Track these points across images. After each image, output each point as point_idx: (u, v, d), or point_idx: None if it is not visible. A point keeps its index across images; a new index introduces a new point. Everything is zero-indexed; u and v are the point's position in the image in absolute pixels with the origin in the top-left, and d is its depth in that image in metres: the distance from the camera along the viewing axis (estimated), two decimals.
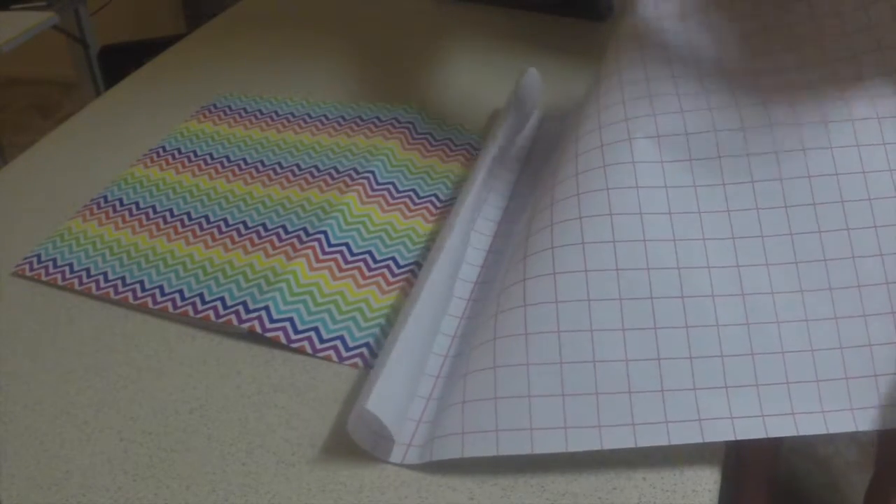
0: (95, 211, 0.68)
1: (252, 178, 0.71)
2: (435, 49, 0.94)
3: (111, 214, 0.68)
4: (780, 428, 0.44)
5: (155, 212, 0.68)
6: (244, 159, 0.74)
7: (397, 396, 0.47)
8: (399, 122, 0.77)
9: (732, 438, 0.44)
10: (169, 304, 0.58)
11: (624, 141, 0.51)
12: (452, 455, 0.45)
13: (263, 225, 0.65)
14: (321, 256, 0.60)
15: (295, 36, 0.87)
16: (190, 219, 0.66)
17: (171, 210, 0.68)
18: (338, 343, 0.54)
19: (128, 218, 0.67)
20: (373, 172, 0.69)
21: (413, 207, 0.66)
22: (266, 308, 0.55)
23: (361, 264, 0.60)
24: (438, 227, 0.63)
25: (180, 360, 0.54)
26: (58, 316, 0.58)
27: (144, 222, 0.67)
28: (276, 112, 0.81)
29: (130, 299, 0.59)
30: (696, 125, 0.50)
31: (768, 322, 0.46)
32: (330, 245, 0.61)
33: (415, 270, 0.59)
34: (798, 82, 0.52)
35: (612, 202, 0.49)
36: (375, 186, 0.68)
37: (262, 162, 0.73)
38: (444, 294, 0.54)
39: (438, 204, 0.66)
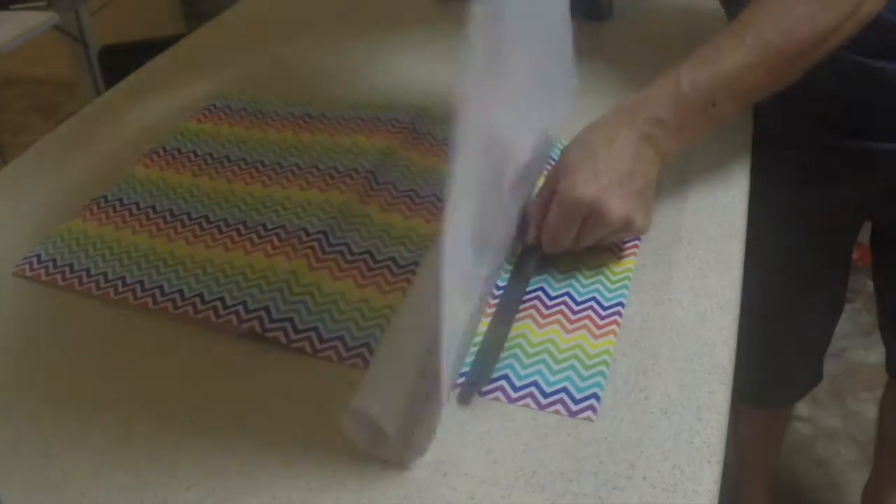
0: (95, 211, 0.68)
1: (252, 177, 0.71)
2: (435, 49, 0.94)
3: (111, 214, 0.68)
4: None
5: (155, 212, 0.68)
6: (244, 159, 0.74)
7: (393, 394, 0.47)
8: (399, 123, 0.77)
9: None
10: (169, 304, 0.58)
11: None
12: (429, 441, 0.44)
13: (263, 225, 0.65)
14: (321, 256, 0.60)
15: (295, 36, 0.87)
16: (190, 219, 0.66)
17: (171, 210, 0.68)
18: (337, 343, 0.54)
19: (128, 218, 0.67)
20: (373, 173, 0.69)
21: (413, 207, 0.66)
22: (266, 308, 0.55)
23: (361, 264, 0.60)
24: (438, 226, 0.63)
25: (180, 360, 0.54)
26: (58, 316, 0.58)
27: (144, 222, 0.67)
28: (275, 112, 0.81)
29: (130, 299, 0.59)
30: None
31: None
32: (330, 245, 0.61)
33: (414, 270, 0.59)
34: None
35: None
36: (375, 186, 0.68)
37: (262, 162, 0.73)
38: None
39: (438, 203, 0.66)
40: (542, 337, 0.54)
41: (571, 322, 0.55)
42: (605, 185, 0.55)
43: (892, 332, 1.01)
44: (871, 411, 1.50)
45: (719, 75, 0.57)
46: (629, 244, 0.62)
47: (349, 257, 0.60)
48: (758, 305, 0.70)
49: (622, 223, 0.56)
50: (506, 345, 0.54)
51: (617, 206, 0.55)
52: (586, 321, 0.55)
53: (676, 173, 0.70)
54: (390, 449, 0.46)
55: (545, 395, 0.50)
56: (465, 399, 0.50)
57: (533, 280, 0.59)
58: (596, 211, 0.55)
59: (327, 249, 0.61)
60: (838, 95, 0.76)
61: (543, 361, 0.52)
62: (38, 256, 0.63)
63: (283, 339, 0.54)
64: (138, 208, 0.68)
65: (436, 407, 0.49)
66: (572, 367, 0.52)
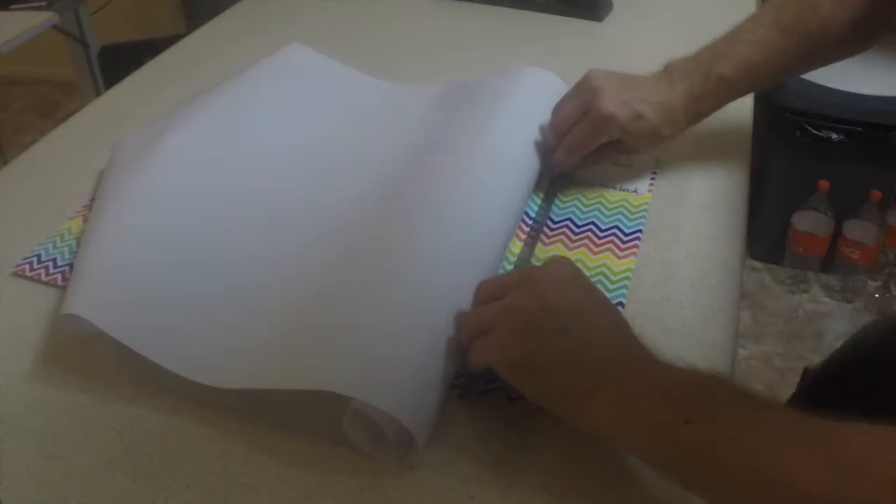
0: None
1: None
2: (435, 49, 0.94)
3: None
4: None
5: None
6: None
7: (393, 394, 0.46)
8: None
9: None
10: None
11: None
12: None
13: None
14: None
15: (294, 36, 0.87)
16: None
17: None
18: None
19: None
20: None
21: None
22: None
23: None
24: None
25: None
26: (57, 316, 0.58)
27: None
28: None
29: None
30: None
31: None
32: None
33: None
34: None
35: None
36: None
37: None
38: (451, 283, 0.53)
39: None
40: None
41: None
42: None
43: None
44: None
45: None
46: (629, 244, 0.62)
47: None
48: None
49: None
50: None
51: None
52: None
53: (677, 173, 0.70)
54: (390, 449, 0.46)
55: None
56: (466, 397, 0.50)
57: None
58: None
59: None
60: None
61: None
62: (38, 256, 0.63)
63: None
64: None
65: (436, 406, 0.49)
66: None
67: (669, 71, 0.66)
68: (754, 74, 0.64)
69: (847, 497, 0.33)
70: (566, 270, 0.48)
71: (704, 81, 0.64)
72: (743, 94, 0.68)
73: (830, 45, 0.65)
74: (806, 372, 0.81)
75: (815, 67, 0.68)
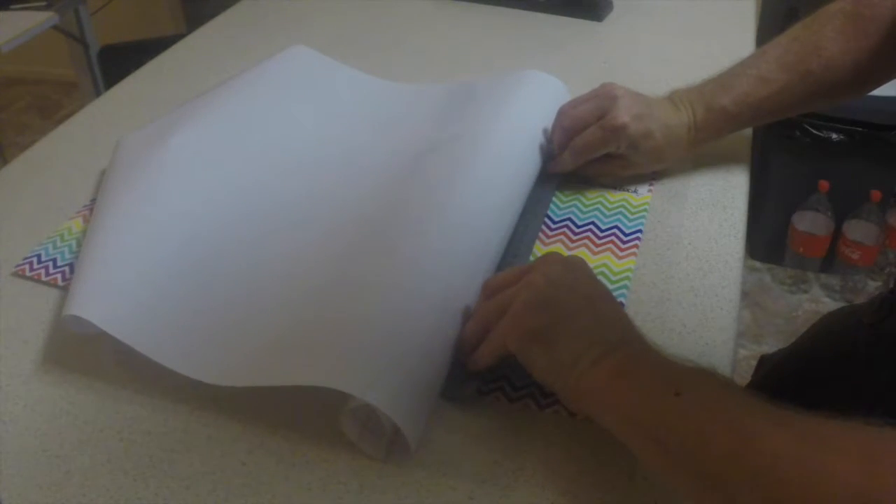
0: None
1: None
2: (435, 49, 0.94)
3: None
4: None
5: None
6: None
7: (389, 390, 0.46)
8: None
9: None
10: None
11: None
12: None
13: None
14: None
15: (294, 36, 0.87)
16: None
17: None
18: None
19: None
20: None
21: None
22: None
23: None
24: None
25: None
26: (58, 316, 0.58)
27: None
28: None
29: None
30: None
31: None
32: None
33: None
34: None
35: None
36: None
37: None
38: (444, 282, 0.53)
39: None
40: None
41: None
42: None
43: None
44: None
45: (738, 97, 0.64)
46: (629, 244, 0.62)
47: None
48: None
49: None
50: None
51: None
52: None
53: (677, 173, 0.70)
54: (380, 444, 0.46)
55: (545, 395, 0.50)
56: (456, 399, 0.50)
57: None
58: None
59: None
60: None
61: None
62: (38, 256, 0.63)
63: None
64: None
65: (429, 405, 0.48)
66: None
67: (674, 99, 0.66)
68: (755, 109, 0.65)
69: (814, 464, 0.35)
70: (578, 262, 0.51)
71: (707, 112, 0.65)
72: (744, 126, 0.69)
73: (833, 87, 0.65)
74: (762, 360, 0.83)
75: (818, 107, 0.68)
